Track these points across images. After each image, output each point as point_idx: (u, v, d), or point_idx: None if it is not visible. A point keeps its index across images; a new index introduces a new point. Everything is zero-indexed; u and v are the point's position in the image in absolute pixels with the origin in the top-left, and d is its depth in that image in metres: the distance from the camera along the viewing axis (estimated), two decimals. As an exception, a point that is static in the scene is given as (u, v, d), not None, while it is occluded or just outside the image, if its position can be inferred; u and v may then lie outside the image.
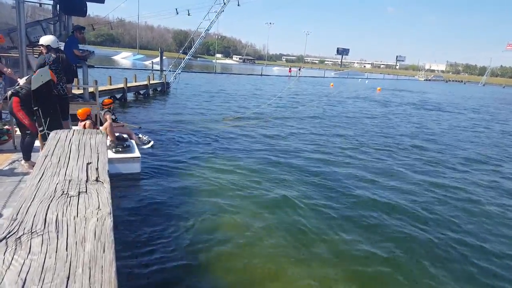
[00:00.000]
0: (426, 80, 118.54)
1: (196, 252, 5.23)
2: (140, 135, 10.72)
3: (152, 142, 10.42)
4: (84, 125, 7.80)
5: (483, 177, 10.24)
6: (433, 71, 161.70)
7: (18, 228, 1.32)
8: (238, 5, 33.59)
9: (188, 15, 32.66)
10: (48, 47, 6.38)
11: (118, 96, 19.85)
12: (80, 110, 8.09)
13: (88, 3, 9.86)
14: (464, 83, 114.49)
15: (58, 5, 9.74)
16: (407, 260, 5.51)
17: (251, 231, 5.98)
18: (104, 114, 8.99)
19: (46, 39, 6.48)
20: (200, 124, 14.74)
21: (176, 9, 32.71)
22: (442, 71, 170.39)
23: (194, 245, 5.40)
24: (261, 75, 62.51)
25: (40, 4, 10.42)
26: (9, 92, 5.38)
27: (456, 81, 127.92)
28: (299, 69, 76.41)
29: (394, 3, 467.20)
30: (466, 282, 5.10)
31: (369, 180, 8.98)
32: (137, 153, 8.13)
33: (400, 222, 6.75)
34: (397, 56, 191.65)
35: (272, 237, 5.83)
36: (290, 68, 76.09)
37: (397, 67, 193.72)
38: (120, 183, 7.40)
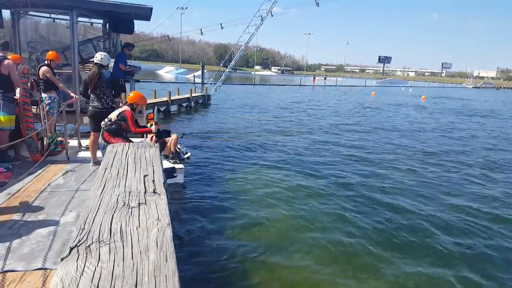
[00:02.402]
0: (475, 87, 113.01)
1: (241, 262, 5.27)
2: (179, 146, 10.93)
3: (189, 154, 10.55)
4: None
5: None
6: (482, 78, 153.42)
7: (87, 237, 1.41)
8: (272, 16, 32.95)
9: (222, 28, 32.93)
10: (96, 64, 6.84)
11: (162, 108, 20.67)
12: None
13: (135, 21, 10.38)
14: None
15: (107, 24, 10.31)
16: None
17: (293, 243, 5.95)
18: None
19: (96, 57, 7.01)
20: (240, 135, 14.92)
21: (221, 24, 33.37)
22: (492, 78, 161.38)
23: (239, 255, 5.44)
24: (300, 85, 62.14)
25: (91, 23, 11.02)
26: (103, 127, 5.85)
27: (508, 88, 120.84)
28: (325, 78, 75.24)
29: (438, 9, 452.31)
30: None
31: (427, 198, 8.39)
32: (180, 164, 8.33)
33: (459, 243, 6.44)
34: (442, 63, 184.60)
35: (316, 252, 5.76)
36: (314, 77, 74.72)
37: (443, 74, 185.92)
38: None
